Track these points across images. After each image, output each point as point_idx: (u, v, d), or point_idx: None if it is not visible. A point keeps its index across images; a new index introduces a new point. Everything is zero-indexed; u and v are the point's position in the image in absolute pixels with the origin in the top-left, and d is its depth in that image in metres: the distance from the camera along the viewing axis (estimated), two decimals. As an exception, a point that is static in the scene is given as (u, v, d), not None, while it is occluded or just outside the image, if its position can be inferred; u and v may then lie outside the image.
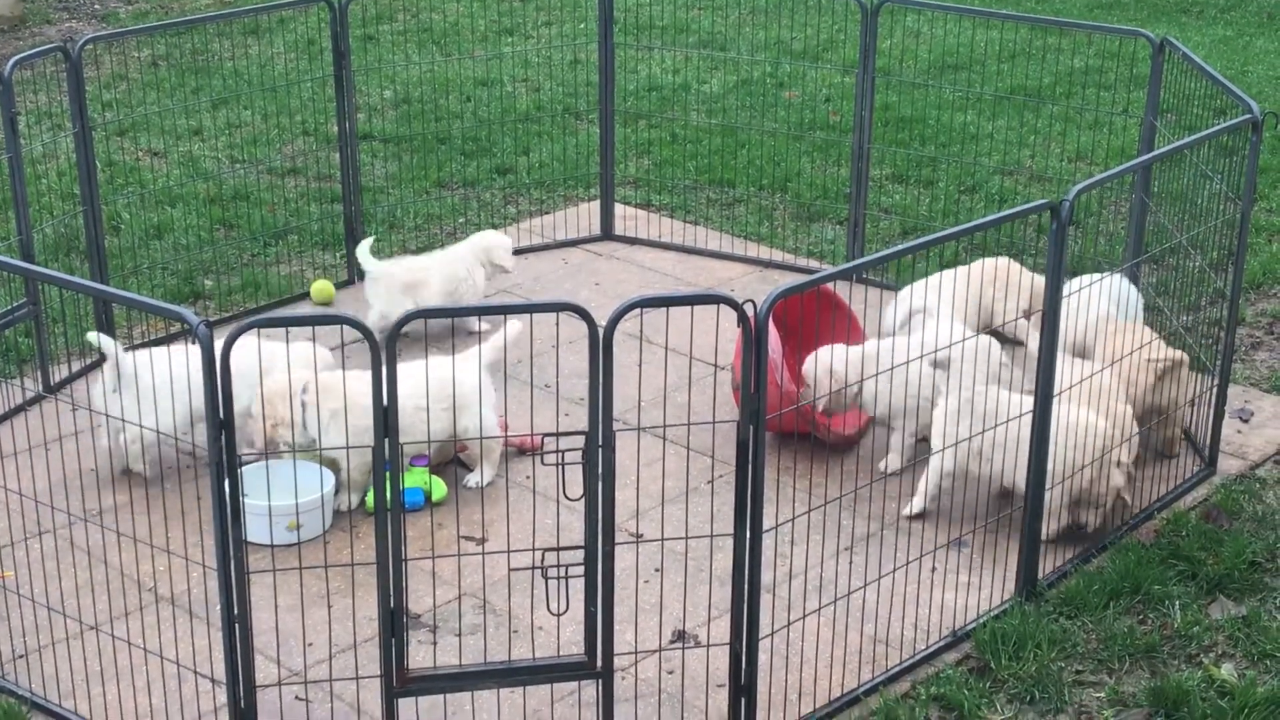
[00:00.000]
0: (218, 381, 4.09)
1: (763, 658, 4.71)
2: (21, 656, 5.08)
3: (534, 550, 4.59)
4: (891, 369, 5.67)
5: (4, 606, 5.25)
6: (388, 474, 4.26)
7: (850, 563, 5.36)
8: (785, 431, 6.33)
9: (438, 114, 10.40)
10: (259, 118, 10.14)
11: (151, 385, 5.56)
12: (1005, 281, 7.04)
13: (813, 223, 8.86)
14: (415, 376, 5.53)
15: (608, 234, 8.53)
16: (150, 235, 8.45)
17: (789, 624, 5.00)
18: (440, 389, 5.52)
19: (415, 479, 5.88)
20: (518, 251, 8.29)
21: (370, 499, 5.84)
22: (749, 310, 4.30)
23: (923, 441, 6.11)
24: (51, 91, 10.08)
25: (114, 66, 11.16)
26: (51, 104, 10.08)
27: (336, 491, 5.81)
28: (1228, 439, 6.44)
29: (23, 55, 6.61)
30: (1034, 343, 5.89)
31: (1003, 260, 7.13)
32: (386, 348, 4.14)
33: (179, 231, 8.50)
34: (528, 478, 6.07)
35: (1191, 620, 5.33)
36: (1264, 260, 8.23)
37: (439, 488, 5.96)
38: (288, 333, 4.92)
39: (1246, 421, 6.68)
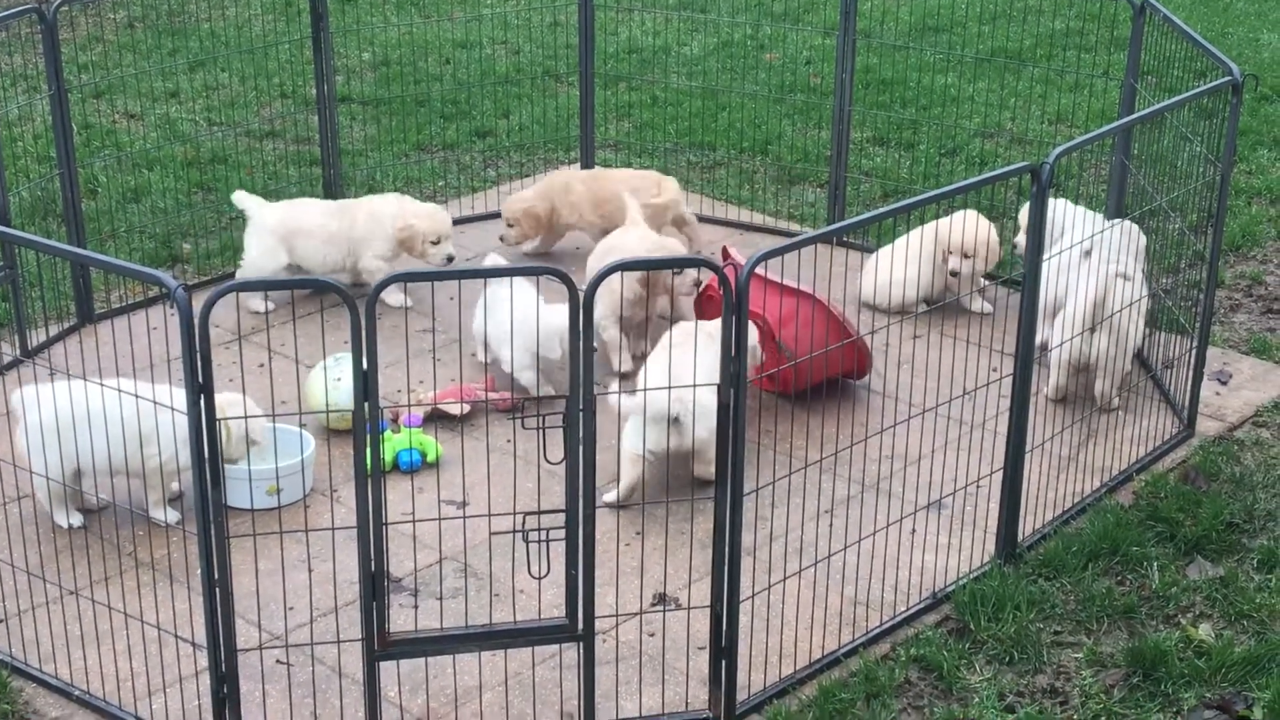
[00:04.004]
0: (196, 345, 4.07)
1: (743, 620, 4.72)
2: (1, 621, 5.07)
3: (515, 514, 4.59)
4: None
5: (-17, 571, 5.24)
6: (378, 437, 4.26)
7: (830, 525, 5.38)
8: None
9: (417, 76, 10.35)
10: (236, 80, 10.08)
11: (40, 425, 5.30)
12: (970, 240, 7.03)
13: (793, 186, 8.85)
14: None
15: (588, 197, 8.50)
16: (128, 198, 8.41)
17: (769, 586, 5.02)
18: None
19: (410, 440, 5.90)
20: (500, 215, 8.29)
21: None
22: (729, 273, 4.29)
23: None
24: (27, 53, 10.01)
25: (90, 28, 11.07)
26: (27, 66, 10.00)
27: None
28: (1206, 401, 6.47)
29: (-3, 17, 6.56)
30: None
31: (970, 215, 7.12)
32: (366, 312, 4.12)
33: (157, 195, 8.45)
34: (508, 441, 6.07)
35: (1169, 581, 5.36)
36: (1243, 223, 8.24)
37: (432, 447, 5.97)
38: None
39: (1225, 383, 6.71)
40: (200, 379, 4.11)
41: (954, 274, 7.08)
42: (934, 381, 5.94)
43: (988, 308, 7.17)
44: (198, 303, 4.08)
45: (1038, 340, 5.63)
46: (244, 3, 11.64)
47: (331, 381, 6.02)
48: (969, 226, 7.03)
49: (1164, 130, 6.47)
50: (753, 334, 5.98)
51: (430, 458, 5.96)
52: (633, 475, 5.63)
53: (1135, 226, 6.54)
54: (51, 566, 5.22)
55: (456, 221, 8.15)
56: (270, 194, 8.41)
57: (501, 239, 7.70)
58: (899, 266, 7.03)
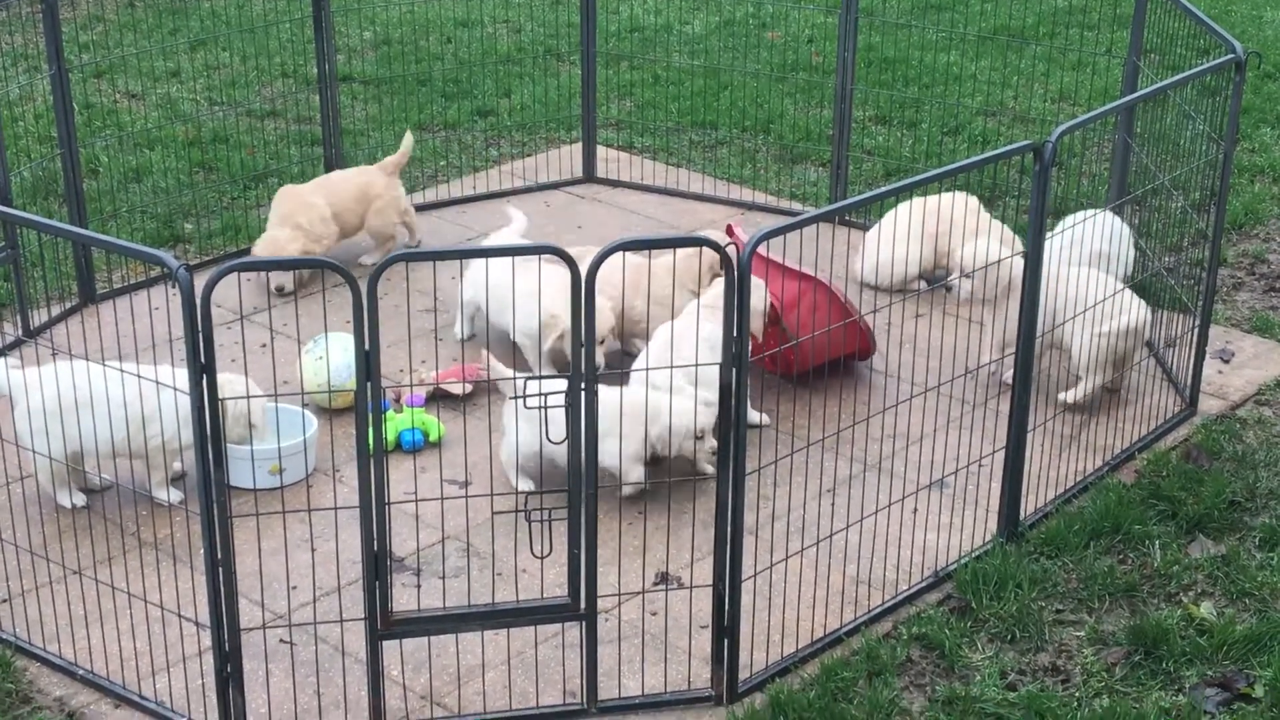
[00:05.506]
0: (198, 325, 4.07)
1: (745, 599, 4.73)
2: (5, 601, 5.08)
3: (517, 493, 4.60)
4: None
5: (-13, 551, 5.25)
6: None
7: (832, 504, 5.38)
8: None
9: (418, 55, 10.33)
10: (237, 59, 10.06)
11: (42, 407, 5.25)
12: (968, 222, 7.01)
13: (795, 165, 8.84)
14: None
15: (590, 176, 8.50)
16: (129, 178, 8.40)
17: (771, 565, 5.02)
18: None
19: (413, 420, 5.91)
20: (501, 195, 8.27)
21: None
22: (731, 253, 4.29)
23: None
24: (28, 33, 9.99)
25: (90, 8, 11.05)
26: (28, 45, 9.99)
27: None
28: (1209, 379, 6.46)
29: (-3, -4, 6.54)
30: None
31: (964, 197, 7.09)
32: (368, 291, 4.12)
33: (158, 174, 8.44)
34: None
35: (1171, 559, 5.37)
36: (1246, 201, 8.23)
37: (434, 427, 5.98)
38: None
39: (1227, 362, 6.71)
40: (202, 359, 4.11)
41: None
42: (936, 360, 5.94)
43: None
44: (199, 282, 4.08)
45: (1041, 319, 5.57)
46: (245, -18, 11.61)
47: (315, 359, 6.03)
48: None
49: (1167, 108, 6.45)
50: (760, 294, 5.95)
51: (432, 437, 5.96)
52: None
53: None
54: (55, 546, 5.23)
55: (457, 201, 8.17)
56: (274, 173, 8.40)
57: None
58: (899, 244, 7.02)
